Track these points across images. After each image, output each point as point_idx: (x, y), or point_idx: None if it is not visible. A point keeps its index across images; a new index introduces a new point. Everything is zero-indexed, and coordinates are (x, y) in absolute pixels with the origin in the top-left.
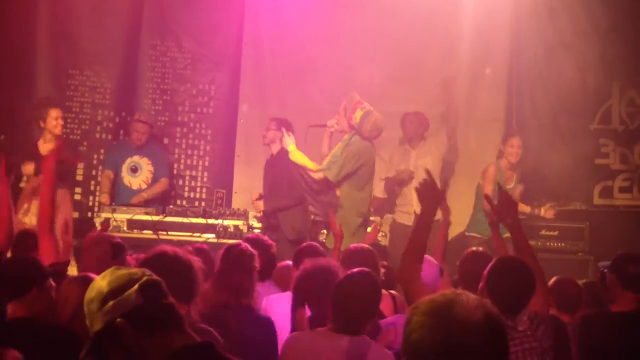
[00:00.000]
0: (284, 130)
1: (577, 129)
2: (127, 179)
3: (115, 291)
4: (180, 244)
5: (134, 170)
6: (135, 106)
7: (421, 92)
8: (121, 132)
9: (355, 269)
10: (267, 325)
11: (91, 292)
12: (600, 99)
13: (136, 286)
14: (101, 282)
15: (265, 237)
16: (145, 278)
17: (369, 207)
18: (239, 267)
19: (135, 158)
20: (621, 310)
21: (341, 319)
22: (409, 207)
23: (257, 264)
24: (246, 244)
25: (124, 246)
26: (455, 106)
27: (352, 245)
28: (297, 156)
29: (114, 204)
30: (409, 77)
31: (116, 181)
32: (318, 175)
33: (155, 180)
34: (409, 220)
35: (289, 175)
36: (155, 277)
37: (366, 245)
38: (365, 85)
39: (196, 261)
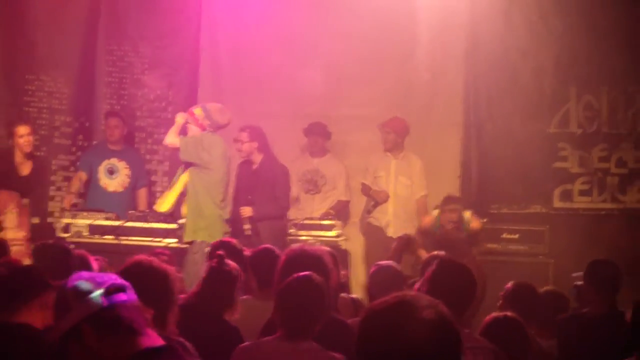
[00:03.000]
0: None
1: (535, 133)
2: (104, 180)
3: (80, 295)
4: (141, 248)
5: (111, 172)
6: (93, 111)
7: (380, 95)
8: (80, 137)
9: (296, 275)
10: (235, 335)
11: (58, 298)
12: (558, 102)
13: (101, 290)
14: (67, 287)
15: (234, 241)
16: (110, 282)
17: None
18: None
19: (113, 160)
20: (595, 313)
21: (285, 326)
22: (385, 216)
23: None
24: (229, 261)
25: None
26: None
27: (293, 247)
28: None
29: (87, 205)
30: (366, 79)
31: (90, 184)
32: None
33: (134, 187)
34: (384, 224)
35: (279, 185)
36: (121, 281)
37: (314, 247)
38: (324, 88)
39: (172, 270)
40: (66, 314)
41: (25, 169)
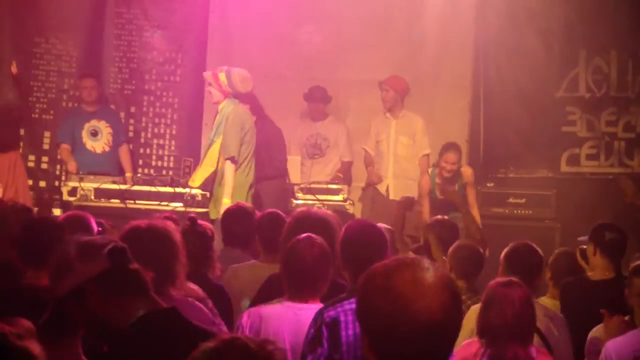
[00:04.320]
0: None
1: (543, 97)
2: (90, 143)
3: (84, 256)
4: (147, 212)
5: (94, 134)
6: (101, 74)
7: (387, 58)
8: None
9: (300, 236)
10: (219, 294)
11: (58, 259)
12: (567, 66)
13: (105, 250)
14: (67, 248)
15: (248, 205)
16: (112, 244)
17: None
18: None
19: (93, 122)
20: (600, 278)
21: (292, 287)
22: (385, 181)
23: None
24: (202, 222)
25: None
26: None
27: (300, 210)
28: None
29: (80, 172)
30: (374, 42)
31: (76, 149)
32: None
33: (116, 144)
34: (384, 190)
35: (273, 145)
36: (121, 243)
37: (319, 210)
38: (332, 51)
39: (174, 228)
40: (67, 274)
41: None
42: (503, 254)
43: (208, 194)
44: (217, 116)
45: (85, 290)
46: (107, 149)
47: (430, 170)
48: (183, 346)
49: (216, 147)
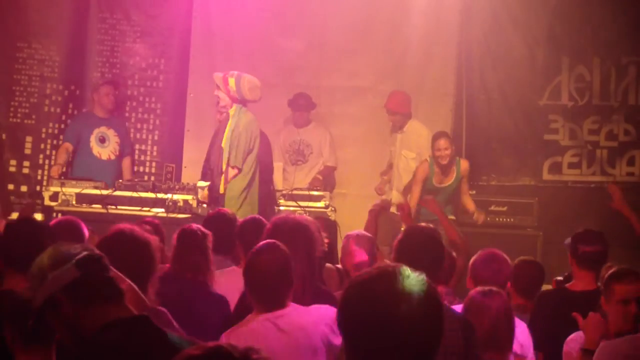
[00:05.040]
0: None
1: (526, 105)
2: (97, 149)
3: (55, 266)
4: (129, 218)
5: (102, 140)
6: (84, 79)
7: (370, 65)
8: (70, 105)
9: (260, 244)
10: (219, 302)
11: (34, 268)
12: (550, 74)
13: (74, 260)
14: (43, 257)
15: (229, 211)
16: (84, 253)
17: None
18: (194, 247)
19: (103, 129)
20: (579, 290)
21: (255, 301)
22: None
23: (210, 243)
24: (198, 226)
25: None
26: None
27: (278, 216)
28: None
29: (78, 174)
30: (358, 49)
31: (79, 153)
32: (232, 173)
33: (122, 154)
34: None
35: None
36: (96, 252)
37: (300, 216)
38: (315, 58)
39: (154, 239)
40: (42, 283)
41: None
42: (471, 261)
43: (190, 199)
44: (229, 122)
45: (58, 299)
46: (112, 157)
47: (429, 158)
48: (154, 354)
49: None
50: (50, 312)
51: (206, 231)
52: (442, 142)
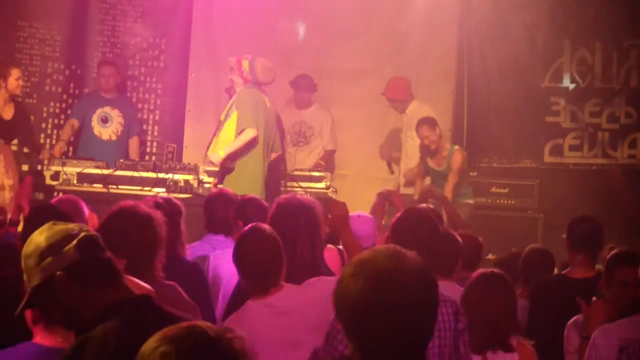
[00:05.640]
0: None
1: (527, 87)
2: (97, 129)
3: (53, 247)
4: (130, 198)
5: (105, 120)
6: (85, 59)
7: (372, 48)
8: (71, 85)
9: (244, 229)
10: (193, 270)
11: (29, 247)
12: (551, 57)
13: (74, 242)
14: (39, 237)
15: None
16: (83, 234)
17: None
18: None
19: (107, 109)
20: (579, 277)
21: (250, 285)
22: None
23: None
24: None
25: None
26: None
27: (283, 197)
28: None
29: (80, 153)
30: (360, 32)
31: (82, 131)
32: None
33: (126, 134)
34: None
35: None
36: (93, 232)
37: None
38: (317, 40)
39: (157, 214)
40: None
41: (8, 113)
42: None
43: (191, 179)
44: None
45: (55, 282)
46: (113, 137)
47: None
48: (152, 333)
49: (232, 119)
50: (46, 295)
51: (177, 202)
52: (422, 131)
